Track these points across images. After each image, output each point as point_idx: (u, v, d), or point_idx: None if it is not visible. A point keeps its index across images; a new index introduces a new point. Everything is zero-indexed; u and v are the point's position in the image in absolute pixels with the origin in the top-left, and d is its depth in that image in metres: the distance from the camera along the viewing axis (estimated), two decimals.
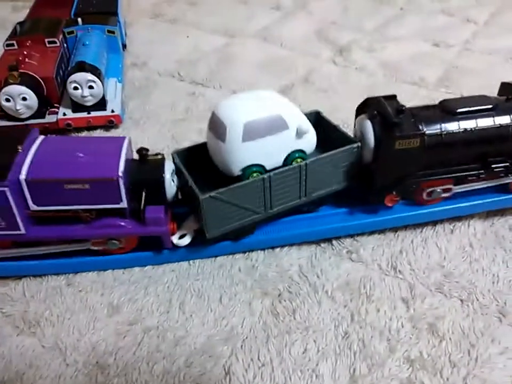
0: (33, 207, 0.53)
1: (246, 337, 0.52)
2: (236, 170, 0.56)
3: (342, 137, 0.62)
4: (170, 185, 0.56)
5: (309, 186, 0.59)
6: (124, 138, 0.58)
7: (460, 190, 0.64)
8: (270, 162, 0.57)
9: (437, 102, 0.89)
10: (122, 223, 0.55)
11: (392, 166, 0.59)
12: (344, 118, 0.85)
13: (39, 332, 0.53)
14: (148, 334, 0.52)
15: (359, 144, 0.59)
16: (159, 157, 0.57)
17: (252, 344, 0.51)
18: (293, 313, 0.54)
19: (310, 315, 0.54)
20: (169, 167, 0.56)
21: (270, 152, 0.56)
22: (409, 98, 0.95)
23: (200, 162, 0.59)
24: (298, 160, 0.58)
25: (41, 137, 0.57)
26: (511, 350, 0.52)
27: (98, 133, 0.84)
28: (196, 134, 0.83)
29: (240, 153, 0.55)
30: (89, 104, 0.81)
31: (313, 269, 0.60)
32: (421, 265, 0.60)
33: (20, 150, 0.53)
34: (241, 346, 0.51)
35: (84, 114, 0.82)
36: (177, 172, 0.58)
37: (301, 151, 0.58)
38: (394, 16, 1.30)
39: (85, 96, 0.80)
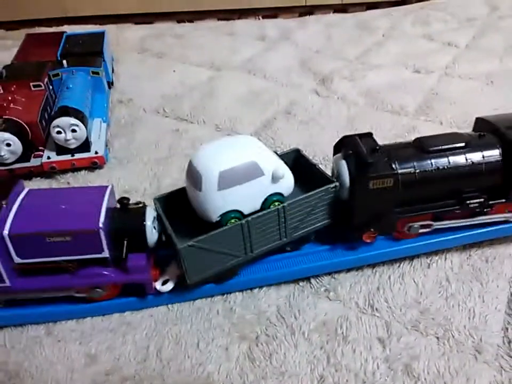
0: (17, 260, 0.54)
1: None
2: (214, 217, 0.57)
3: (320, 176, 0.63)
4: (152, 233, 0.57)
5: (289, 227, 0.60)
6: (105, 187, 0.59)
7: (439, 227, 0.65)
8: (247, 207, 0.58)
9: (415, 132, 0.91)
10: (105, 272, 0.57)
11: (368, 204, 0.61)
12: (325, 151, 0.87)
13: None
14: None
15: (337, 184, 0.61)
16: (140, 205, 0.59)
17: None
18: (270, 357, 0.55)
19: (287, 359, 0.55)
20: (150, 214, 0.58)
21: (247, 198, 0.57)
22: (390, 127, 0.98)
23: (181, 206, 0.61)
24: (276, 203, 0.59)
25: (26, 190, 0.59)
26: None
27: (83, 173, 0.85)
28: (177, 172, 0.84)
29: (217, 201, 0.56)
30: (72, 147, 0.83)
31: (291, 309, 0.60)
32: (397, 302, 0.61)
33: (4, 205, 0.55)
34: None
35: (68, 157, 0.84)
36: (159, 217, 0.59)
37: (279, 194, 0.59)
38: (375, 43, 1.33)
39: (68, 140, 0.82)
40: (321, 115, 1.01)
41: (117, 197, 0.60)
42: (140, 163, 0.87)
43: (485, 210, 0.64)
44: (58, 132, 0.81)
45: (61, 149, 0.83)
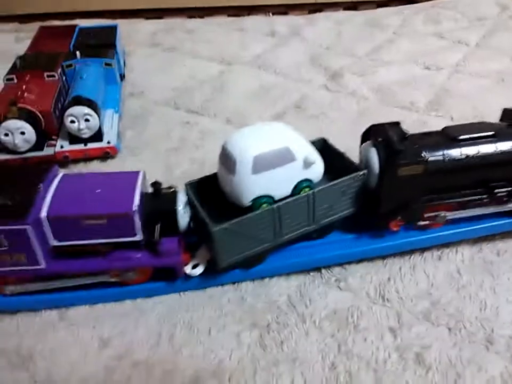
0: (53, 242, 0.55)
1: (234, 370, 0.53)
2: (246, 201, 0.57)
3: (347, 164, 0.64)
4: (183, 217, 0.58)
5: (317, 214, 0.61)
6: (138, 173, 0.60)
7: (464, 215, 0.65)
8: (278, 192, 0.58)
9: (425, 128, 0.91)
10: (138, 255, 0.58)
11: (396, 191, 0.61)
12: (336, 143, 0.87)
13: (32, 366, 0.54)
14: (136, 368, 0.53)
15: (365, 171, 0.61)
16: (172, 190, 0.60)
17: (239, 377, 0.52)
18: (281, 344, 0.55)
19: (298, 346, 0.55)
20: (181, 199, 0.59)
21: (278, 183, 0.58)
22: (401, 122, 0.98)
23: (211, 192, 0.61)
24: (306, 189, 0.59)
25: (60, 174, 0.59)
26: (497, 379, 0.52)
27: (95, 163, 0.86)
28: (188, 163, 0.85)
29: (250, 185, 0.56)
30: (85, 136, 0.84)
31: (301, 298, 0.61)
32: (408, 293, 0.61)
33: (40, 189, 0.55)
34: (229, 379, 0.52)
35: (81, 146, 0.84)
36: (190, 203, 0.60)
37: (308, 180, 0.60)
38: (386, 40, 1.33)
39: (82, 129, 0.82)
40: (331, 109, 1.01)
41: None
42: (151, 154, 0.88)
43: None
44: (72, 121, 0.82)
45: (74, 138, 0.84)
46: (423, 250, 0.67)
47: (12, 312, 0.59)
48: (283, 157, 0.57)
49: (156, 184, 0.58)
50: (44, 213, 0.53)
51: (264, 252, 0.60)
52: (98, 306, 0.60)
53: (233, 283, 0.63)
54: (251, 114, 1.00)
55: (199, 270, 0.59)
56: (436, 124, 0.94)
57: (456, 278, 0.63)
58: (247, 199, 0.57)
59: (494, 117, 0.92)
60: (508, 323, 0.57)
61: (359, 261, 0.65)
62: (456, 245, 0.67)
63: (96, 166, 0.85)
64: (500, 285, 0.62)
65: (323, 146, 0.68)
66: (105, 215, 0.54)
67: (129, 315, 0.59)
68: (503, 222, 0.66)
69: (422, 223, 0.64)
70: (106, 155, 0.86)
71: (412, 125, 0.96)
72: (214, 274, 0.60)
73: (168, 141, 0.92)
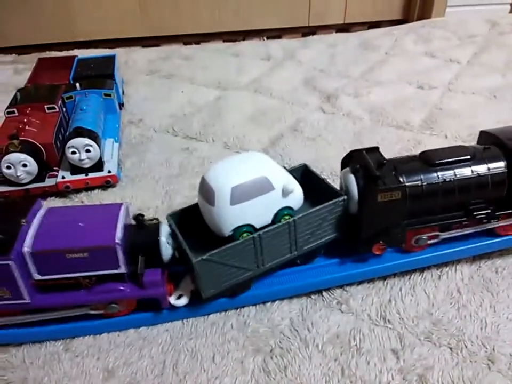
0: (36, 276, 0.56)
1: None
2: (226, 232, 0.59)
3: (328, 190, 0.65)
4: (166, 248, 0.59)
5: (299, 241, 0.62)
6: (120, 205, 0.61)
7: (446, 236, 0.66)
8: (259, 221, 0.60)
9: (420, 146, 0.93)
10: (122, 287, 0.58)
11: (376, 217, 0.62)
12: (333, 166, 0.89)
13: None
14: None
15: (345, 197, 0.62)
16: (155, 221, 0.61)
17: None
18: (284, 370, 0.56)
19: (301, 371, 0.55)
20: (164, 230, 0.60)
21: (258, 212, 0.59)
22: (396, 142, 1.00)
23: (193, 222, 0.63)
24: (286, 217, 0.61)
25: (44, 208, 0.61)
26: None
27: (96, 192, 0.87)
28: (188, 190, 0.86)
29: (229, 216, 0.58)
30: (87, 166, 0.85)
31: (303, 322, 0.61)
32: (409, 314, 0.62)
33: (23, 223, 0.56)
34: None
35: (82, 176, 0.86)
36: (173, 233, 0.61)
37: (289, 207, 0.61)
38: (379, 61, 1.36)
39: (83, 160, 0.84)
40: (327, 131, 1.03)
41: (131, 215, 0.62)
42: (151, 181, 0.89)
43: (492, 220, 0.66)
44: (73, 152, 0.83)
45: (75, 169, 0.86)
46: (422, 269, 0.68)
47: (17, 344, 0.60)
48: (261, 187, 0.58)
49: (138, 216, 0.60)
50: (26, 248, 0.54)
51: (248, 280, 0.61)
52: (102, 337, 0.60)
53: (236, 308, 0.63)
54: (248, 138, 1.01)
55: (184, 301, 0.60)
56: (431, 143, 0.97)
57: (456, 297, 0.64)
58: (227, 230, 0.58)
59: None
60: (509, 341, 0.58)
61: (360, 282, 0.66)
62: (455, 263, 0.68)
63: (97, 195, 0.86)
64: (500, 303, 0.63)
65: (305, 172, 0.69)
66: (88, 248, 0.55)
67: (133, 345, 0.59)
68: (499, 240, 0.67)
69: (406, 247, 0.66)
70: (107, 184, 0.87)
71: (407, 144, 0.99)
72: (201, 304, 0.61)
73: (168, 168, 0.93)
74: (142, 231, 0.59)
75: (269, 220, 0.60)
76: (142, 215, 0.60)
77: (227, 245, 0.57)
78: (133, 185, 0.89)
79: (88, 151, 0.84)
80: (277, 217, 0.60)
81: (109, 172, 0.87)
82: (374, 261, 0.66)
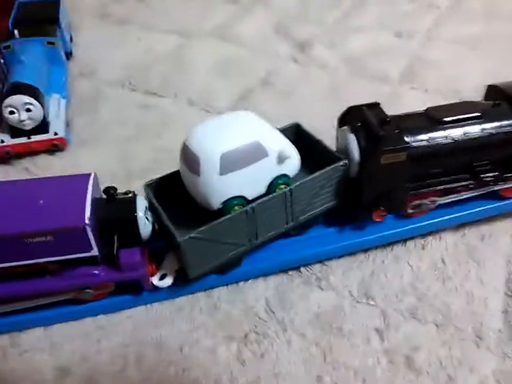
0: None
1: None
2: (215, 205, 0.51)
3: (325, 153, 0.58)
4: (145, 224, 0.51)
5: (295, 211, 0.55)
6: (88, 176, 0.52)
7: (449, 201, 0.61)
8: (251, 192, 0.53)
9: (401, 101, 0.86)
10: (95, 271, 0.51)
11: (378, 180, 0.55)
12: (313, 125, 0.81)
13: None
14: None
15: (346, 161, 0.55)
16: (130, 195, 0.53)
17: None
18: (261, 358, 0.51)
19: (279, 359, 0.50)
20: (141, 204, 0.52)
21: (250, 182, 0.52)
22: (374, 96, 0.92)
23: (175, 192, 0.55)
24: (282, 186, 0.54)
25: None
26: (490, 378, 0.49)
27: (43, 158, 0.77)
28: (150, 153, 0.77)
29: (218, 187, 0.50)
30: (28, 128, 0.74)
31: (280, 302, 0.56)
32: (393, 289, 0.57)
33: None
34: None
35: (24, 140, 0.75)
36: (151, 206, 0.53)
37: (284, 175, 0.54)
38: (355, 6, 1.25)
39: (23, 121, 0.73)
40: (301, 84, 0.94)
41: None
42: (106, 144, 0.79)
43: (499, 183, 0.60)
44: (11, 112, 0.72)
45: (16, 131, 0.75)
46: (405, 239, 0.63)
47: None
48: (254, 154, 0.51)
49: (109, 189, 0.51)
50: None
51: (240, 256, 0.55)
52: (54, 328, 0.53)
53: (205, 290, 0.57)
54: (215, 93, 0.92)
55: (168, 281, 0.54)
56: (410, 97, 0.90)
57: (441, 269, 0.60)
58: (216, 203, 0.51)
59: (469, 87, 0.88)
60: (497, 315, 0.55)
61: (340, 256, 0.61)
62: (439, 232, 0.64)
63: (44, 161, 0.76)
64: (486, 273, 0.59)
65: (297, 132, 0.61)
66: (52, 230, 0.47)
67: (90, 336, 0.52)
68: (490, 206, 0.63)
69: (406, 212, 0.60)
70: (54, 148, 0.77)
71: (386, 99, 0.90)
72: (184, 282, 0.54)
73: (125, 128, 0.83)
74: (115, 207, 0.51)
75: (262, 190, 0.53)
76: (114, 188, 0.52)
77: (216, 220, 0.50)
78: (85, 149, 0.79)
79: (28, 110, 0.72)
80: (272, 186, 0.53)
81: (55, 134, 0.77)
82: (372, 229, 0.60)
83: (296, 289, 0.57)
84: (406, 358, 0.51)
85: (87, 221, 0.47)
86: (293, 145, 0.54)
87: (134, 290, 0.54)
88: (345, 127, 0.58)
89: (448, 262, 0.60)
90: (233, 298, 0.56)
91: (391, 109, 0.60)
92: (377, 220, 0.59)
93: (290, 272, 0.59)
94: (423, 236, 0.63)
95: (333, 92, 0.92)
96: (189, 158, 0.51)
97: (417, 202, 0.59)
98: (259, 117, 0.54)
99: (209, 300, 0.56)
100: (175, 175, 0.55)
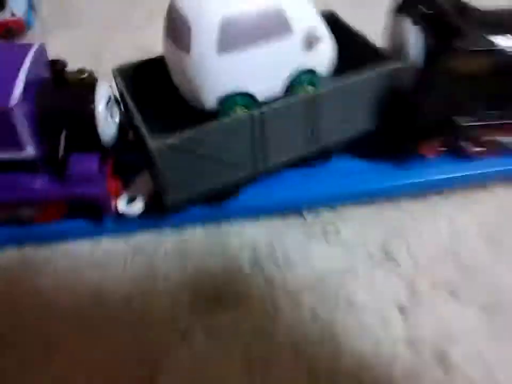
0: None
1: None
2: (210, 100, 0.36)
3: (370, 52, 0.41)
4: (106, 121, 0.37)
5: (321, 128, 0.40)
6: (30, 46, 0.38)
7: None
8: (262, 88, 0.37)
9: None
10: (32, 182, 0.38)
11: (444, 97, 0.40)
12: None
13: None
14: None
15: (399, 65, 0.40)
16: (85, 75, 0.38)
17: None
18: (235, 328, 0.37)
19: (261, 331, 0.37)
20: (103, 92, 0.37)
21: (262, 72, 0.36)
22: None
23: (156, 86, 0.40)
24: (308, 87, 0.38)
25: None
26: None
27: None
28: (129, 49, 0.60)
29: (215, 72, 0.35)
30: None
31: (272, 256, 0.42)
32: (425, 251, 0.42)
33: None
34: None
35: None
36: (120, 98, 0.39)
37: (311, 71, 0.38)
38: None
39: None
40: None
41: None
42: (76, 32, 0.64)
43: None
44: None
45: None
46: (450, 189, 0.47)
47: None
48: (271, 26, 0.35)
49: (56, 64, 0.38)
50: None
51: (237, 184, 0.40)
52: None
53: (176, 227, 0.42)
54: None
55: (138, 207, 0.40)
56: None
57: (488, 231, 0.44)
58: (211, 97, 0.36)
59: None
60: None
61: (356, 202, 0.45)
62: (492, 185, 0.48)
63: None
64: None
65: (330, 24, 0.44)
66: None
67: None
68: None
69: (473, 149, 0.44)
70: (8, 33, 0.61)
71: None
72: (156, 214, 0.40)
73: (102, 18, 0.66)
74: (65, 91, 0.37)
75: (278, 88, 0.38)
76: (63, 64, 0.38)
77: (209, 123, 0.35)
78: (48, 35, 0.63)
79: None
80: (293, 85, 0.38)
81: (13, 14, 0.61)
82: (416, 170, 0.44)
83: (295, 240, 0.43)
84: (435, 349, 0.36)
85: (13, 103, 0.33)
86: (327, 28, 0.38)
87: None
88: (402, 16, 0.41)
89: (494, 221, 0.45)
90: (210, 245, 0.42)
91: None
92: (428, 155, 0.44)
93: (290, 218, 0.44)
94: (472, 187, 0.47)
95: None
96: (176, 25, 0.35)
97: (489, 138, 0.43)
98: None
99: (180, 245, 0.42)
100: (157, 62, 0.40)
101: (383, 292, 0.40)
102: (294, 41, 0.36)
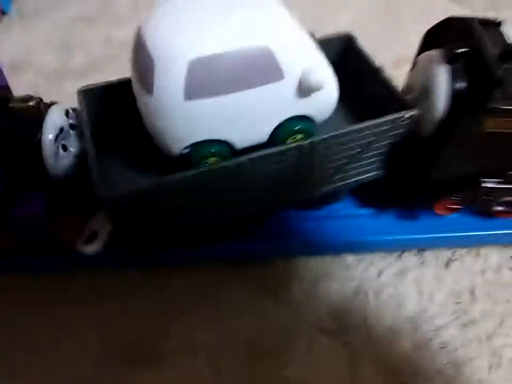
0: None
1: None
2: (175, 148, 0.30)
3: (384, 91, 0.34)
4: (58, 154, 0.32)
5: (314, 178, 0.34)
6: None
7: None
8: (243, 137, 0.31)
9: None
10: None
11: (470, 153, 0.33)
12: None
13: None
14: None
15: (414, 113, 0.32)
16: (32, 103, 0.32)
17: None
18: None
19: None
20: (54, 120, 0.32)
21: (244, 121, 0.30)
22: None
23: (126, 115, 0.33)
24: (298, 136, 0.31)
25: None
26: None
27: None
28: (103, 45, 0.55)
29: (181, 120, 0.29)
30: None
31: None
32: None
33: None
34: None
35: None
36: (80, 129, 0.33)
37: (305, 118, 0.31)
38: None
39: None
40: None
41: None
42: (49, 23, 0.59)
43: None
44: None
45: None
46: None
47: None
48: (256, 69, 0.28)
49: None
50: None
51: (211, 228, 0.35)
52: None
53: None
54: None
55: (96, 245, 0.34)
56: None
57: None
58: (176, 145, 0.30)
59: None
60: None
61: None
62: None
63: None
64: None
65: (345, 50, 0.38)
66: None
67: None
68: None
69: (494, 209, 0.37)
70: None
71: None
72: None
73: (80, 4, 0.61)
74: (8, 122, 0.32)
75: (263, 135, 0.31)
76: (7, 88, 0.34)
77: (168, 176, 0.29)
78: (22, 25, 0.58)
79: None
80: (280, 133, 0.31)
81: None
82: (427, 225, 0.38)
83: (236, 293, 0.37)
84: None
85: None
86: (330, 69, 0.31)
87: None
88: (433, 52, 0.33)
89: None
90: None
91: None
92: (441, 213, 0.37)
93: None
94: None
95: None
96: (140, 59, 0.29)
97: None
98: (281, 2, 0.30)
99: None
100: (129, 84, 0.33)
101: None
102: (286, 87, 0.29)
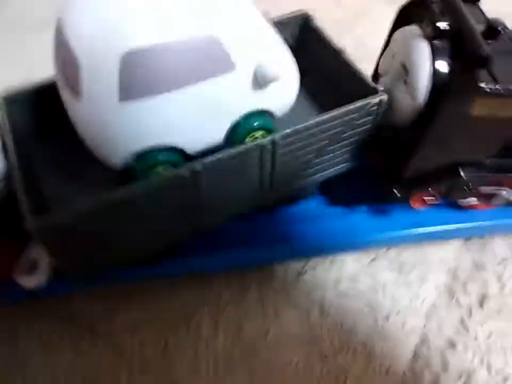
0: None
1: None
2: (115, 158, 0.27)
3: (350, 74, 0.31)
4: None
5: (276, 179, 0.31)
6: None
7: None
8: (194, 140, 0.28)
9: None
10: None
11: (449, 141, 0.30)
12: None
13: None
14: None
15: (383, 97, 0.29)
16: None
17: None
18: None
19: None
20: None
21: (193, 121, 0.27)
22: None
23: (60, 122, 0.29)
24: (258, 133, 0.29)
25: None
26: None
27: None
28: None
29: (117, 126, 0.25)
30: None
31: None
32: None
33: None
34: None
35: None
36: (4, 144, 0.29)
37: (264, 113, 0.29)
38: None
39: None
40: None
41: None
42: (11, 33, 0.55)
43: None
44: None
45: None
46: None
47: None
48: (202, 61, 0.25)
49: None
50: None
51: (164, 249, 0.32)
52: None
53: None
54: None
55: (38, 278, 0.31)
56: None
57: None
58: (116, 155, 0.27)
59: None
60: None
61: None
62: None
63: None
64: None
65: (302, 30, 0.34)
66: None
67: None
68: None
69: (471, 201, 0.36)
70: None
71: None
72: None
73: (41, 10, 0.57)
74: None
75: (217, 136, 0.28)
76: None
77: (109, 194, 0.26)
78: None
79: None
80: (237, 132, 0.28)
81: None
82: (400, 220, 0.37)
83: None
84: None
85: None
86: (289, 55, 0.28)
87: None
88: (410, 27, 0.30)
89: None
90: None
91: None
92: (416, 206, 0.35)
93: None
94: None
95: None
96: (63, 61, 0.25)
97: (492, 189, 0.35)
98: None
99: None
100: None
101: None
102: (238, 79, 0.26)
